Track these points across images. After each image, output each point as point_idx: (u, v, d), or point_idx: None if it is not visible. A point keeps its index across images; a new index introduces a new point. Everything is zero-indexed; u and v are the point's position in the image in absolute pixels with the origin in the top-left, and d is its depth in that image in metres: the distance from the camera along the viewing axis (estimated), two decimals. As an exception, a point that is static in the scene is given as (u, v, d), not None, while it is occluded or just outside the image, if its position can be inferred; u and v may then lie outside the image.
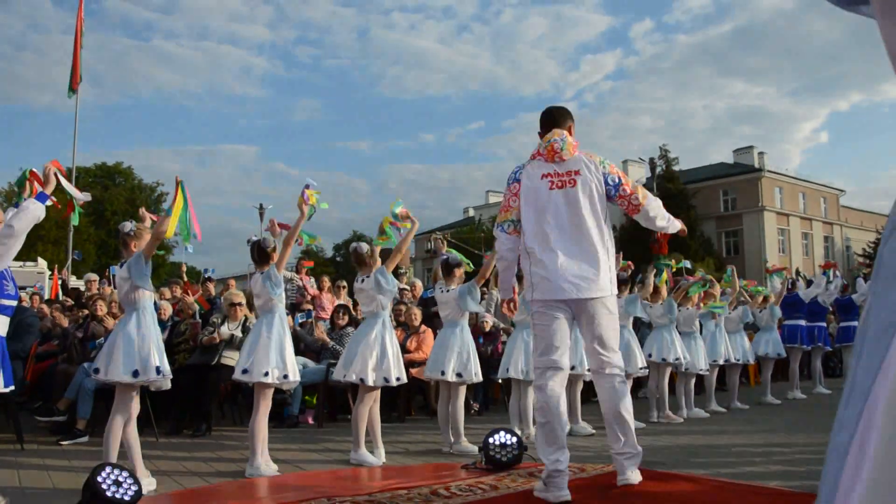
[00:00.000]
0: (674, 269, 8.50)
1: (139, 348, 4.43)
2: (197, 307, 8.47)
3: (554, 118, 4.26)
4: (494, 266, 6.48)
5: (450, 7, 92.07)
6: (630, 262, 7.96)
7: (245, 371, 5.00)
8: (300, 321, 8.78)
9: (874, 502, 0.67)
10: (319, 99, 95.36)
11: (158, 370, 4.48)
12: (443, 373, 5.89)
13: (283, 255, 5.24)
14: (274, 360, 4.98)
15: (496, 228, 4.20)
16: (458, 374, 5.91)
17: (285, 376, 5.04)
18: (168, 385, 4.77)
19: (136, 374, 4.40)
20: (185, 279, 10.68)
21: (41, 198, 4.27)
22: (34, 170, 4.52)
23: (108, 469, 3.91)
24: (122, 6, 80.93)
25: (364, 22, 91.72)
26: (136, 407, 4.59)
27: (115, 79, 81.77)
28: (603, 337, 4.12)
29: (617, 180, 4.11)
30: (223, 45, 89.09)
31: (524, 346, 6.45)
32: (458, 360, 5.92)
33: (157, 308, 6.75)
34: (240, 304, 7.35)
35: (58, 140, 70.17)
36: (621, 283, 7.45)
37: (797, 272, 11.34)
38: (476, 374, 6.02)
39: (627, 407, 4.19)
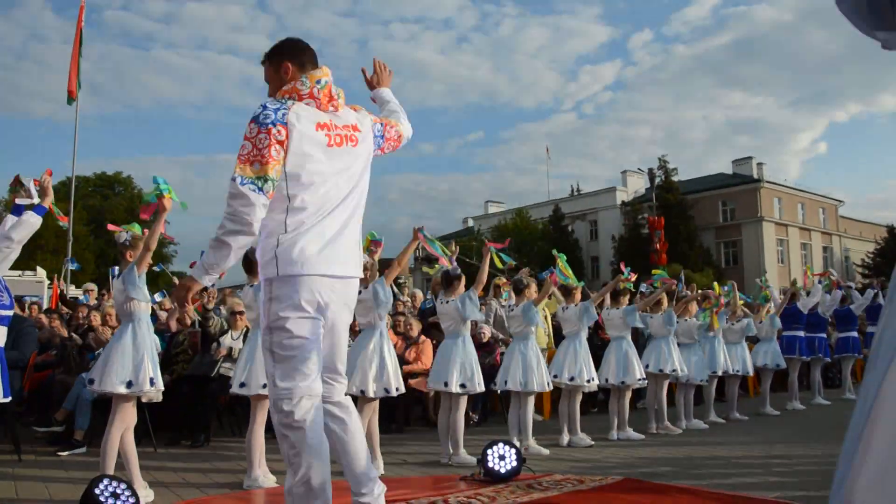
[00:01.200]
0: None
1: (134, 360, 4.44)
2: (196, 316, 8.46)
3: (313, 53, 3.26)
4: (493, 274, 6.50)
5: (449, 18, 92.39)
6: (633, 274, 7.97)
7: (242, 384, 5.00)
8: None
9: (877, 492, 0.69)
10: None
11: (152, 381, 4.48)
12: (446, 384, 5.88)
13: None
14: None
15: (245, 184, 2.89)
16: (462, 385, 5.91)
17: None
18: (160, 398, 4.77)
19: (129, 384, 4.40)
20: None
21: (39, 210, 4.29)
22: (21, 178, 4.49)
23: (105, 481, 3.90)
24: (122, 16, 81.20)
25: (364, 33, 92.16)
26: (133, 418, 4.59)
27: (115, 88, 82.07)
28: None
29: (380, 128, 3.39)
30: (223, 56, 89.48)
31: (522, 358, 6.45)
32: (462, 371, 5.92)
33: (154, 319, 6.75)
34: (241, 314, 7.34)
35: (57, 149, 70.33)
36: (619, 294, 7.48)
37: (793, 283, 11.34)
38: (479, 384, 6.01)
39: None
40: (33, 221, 4.23)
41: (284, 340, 2.95)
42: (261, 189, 2.89)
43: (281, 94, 3.09)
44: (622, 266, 7.63)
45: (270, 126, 2.93)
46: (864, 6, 0.86)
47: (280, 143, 2.94)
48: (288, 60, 3.15)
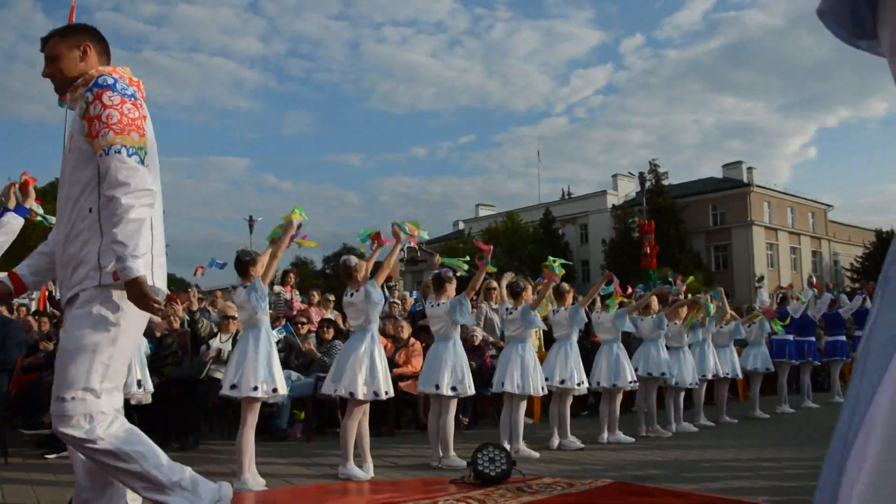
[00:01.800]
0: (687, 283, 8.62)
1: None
2: (186, 316, 8.43)
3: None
4: (483, 279, 6.50)
5: (441, 21, 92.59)
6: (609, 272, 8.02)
7: (234, 386, 4.98)
8: (278, 337, 8.71)
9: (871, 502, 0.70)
10: (311, 112, 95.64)
11: (140, 383, 4.45)
12: (437, 387, 5.87)
13: (269, 267, 5.24)
14: (262, 374, 4.96)
15: (132, 155, 2.55)
16: (454, 388, 5.89)
17: (274, 390, 5.03)
18: (148, 399, 4.74)
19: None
20: (168, 291, 10.61)
21: (21, 211, 4.22)
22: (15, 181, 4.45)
23: (93, 483, 3.87)
24: (113, 17, 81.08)
25: (356, 36, 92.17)
26: (122, 420, 4.56)
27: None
28: None
29: None
30: (215, 58, 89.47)
31: (519, 361, 6.44)
32: (453, 374, 5.90)
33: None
34: (233, 318, 7.32)
35: (47, 151, 70.18)
36: (606, 296, 7.50)
37: (790, 286, 11.46)
38: (470, 387, 6.01)
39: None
40: (13, 222, 4.16)
41: (127, 348, 2.68)
42: (142, 161, 2.57)
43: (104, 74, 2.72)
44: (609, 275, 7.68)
45: (135, 99, 2.65)
46: (847, 16, 0.88)
47: (144, 118, 2.66)
48: (89, 42, 2.85)
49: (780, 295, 10.96)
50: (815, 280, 11.70)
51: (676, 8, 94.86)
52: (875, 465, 0.71)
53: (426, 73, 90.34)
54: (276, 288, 10.22)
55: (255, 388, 4.92)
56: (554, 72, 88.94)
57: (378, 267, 5.72)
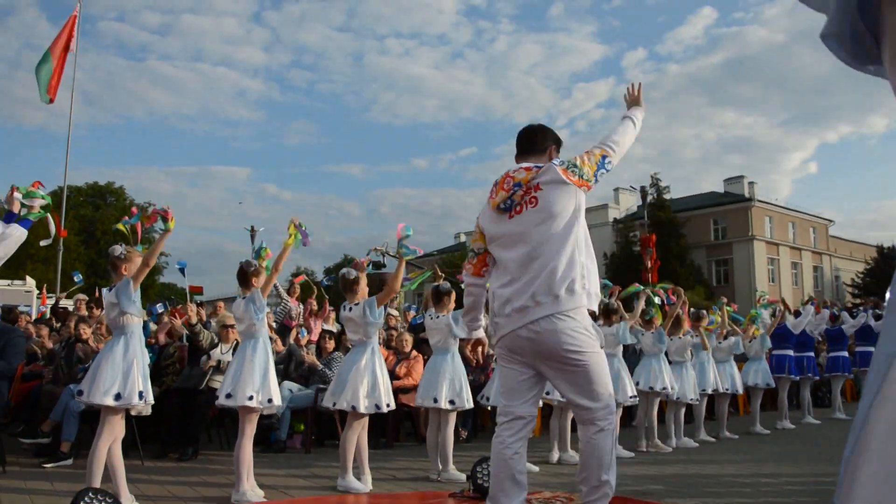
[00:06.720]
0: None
1: (124, 372, 4.41)
2: (185, 330, 8.42)
3: None
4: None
5: (444, 34, 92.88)
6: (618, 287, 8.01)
7: (229, 395, 4.98)
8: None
9: None
10: (313, 122, 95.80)
11: (141, 395, 4.45)
12: (435, 400, 5.86)
13: (269, 279, 5.26)
14: (258, 385, 4.97)
15: None
16: (451, 402, 5.88)
17: (269, 400, 5.02)
18: (149, 411, 4.74)
19: (118, 397, 4.37)
20: (171, 306, 10.63)
21: (25, 224, 4.23)
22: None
23: (91, 493, 3.87)
24: (116, 27, 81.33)
25: (359, 47, 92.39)
26: (121, 430, 4.55)
27: (109, 99, 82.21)
28: None
29: None
30: (218, 68, 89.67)
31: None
32: (451, 387, 5.89)
33: (147, 332, 6.72)
34: (232, 327, 7.32)
35: (50, 159, 70.38)
36: (611, 311, 7.47)
37: (783, 301, 11.42)
38: (468, 400, 5.99)
39: None
40: (18, 235, 4.16)
41: None
42: None
43: None
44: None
45: None
46: (847, 43, 0.88)
47: None
48: None
49: (781, 312, 10.90)
50: (815, 299, 11.72)
51: (678, 23, 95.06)
52: (865, 485, 0.69)
53: (428, 85, 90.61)
54: (284, 295, 10.21)
55: (251, 398, 4.92)
56: (556, 85, 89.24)
57: (384, 284, 5.72)
